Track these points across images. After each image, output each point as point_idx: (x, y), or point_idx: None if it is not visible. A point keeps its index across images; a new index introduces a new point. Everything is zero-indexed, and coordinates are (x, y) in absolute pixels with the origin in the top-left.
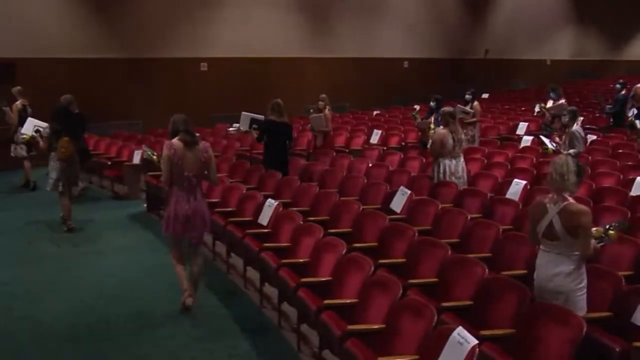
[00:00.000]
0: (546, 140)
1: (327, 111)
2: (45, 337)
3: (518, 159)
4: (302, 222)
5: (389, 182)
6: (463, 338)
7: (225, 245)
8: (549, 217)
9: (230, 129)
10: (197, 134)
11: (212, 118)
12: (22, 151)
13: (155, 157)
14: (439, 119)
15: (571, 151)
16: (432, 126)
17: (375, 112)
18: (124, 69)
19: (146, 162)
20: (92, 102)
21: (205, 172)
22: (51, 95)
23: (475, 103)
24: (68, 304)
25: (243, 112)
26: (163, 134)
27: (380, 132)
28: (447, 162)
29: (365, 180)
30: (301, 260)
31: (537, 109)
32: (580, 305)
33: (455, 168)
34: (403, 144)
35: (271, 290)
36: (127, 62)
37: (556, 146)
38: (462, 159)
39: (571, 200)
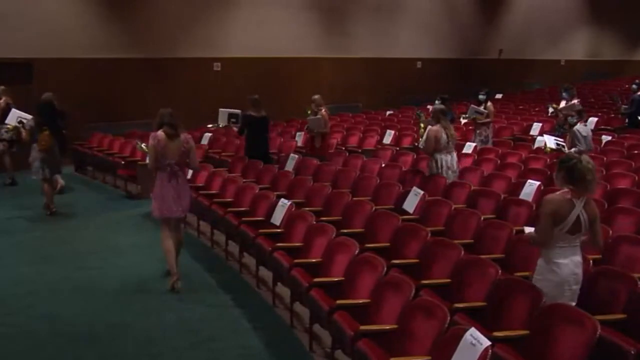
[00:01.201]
0: (549, 140)
1: (324, 112)
2: (51, 337)
3: (532, 159)
4: (314, 222)
5: (401, 182)
6: (476, 339)
7: (238, 244)
8: (577, 211)
9: (209, 125)
10: (215, 132)
11: None
12: (2, 147)
13: (146, 149)
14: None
15: (572, 149)
16: (422, 125)
17: (388, 113)
18: (139, 69)
19: None
20: (106, 102)
21: (187, 160)
22: (67, 95)
23: (489, 103)
24: (77, 303)
25: (220, 109)
26: None
27: (393, 132)
28: (443, 157)
29: (378, 181)
30: (314, 260)
31: (550, 109)
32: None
33: (451, 162)
34: (416, 144)
35: (284, 290)
36: (142, 61)
37: (559, 146)
38: (455, 154)
39: None
